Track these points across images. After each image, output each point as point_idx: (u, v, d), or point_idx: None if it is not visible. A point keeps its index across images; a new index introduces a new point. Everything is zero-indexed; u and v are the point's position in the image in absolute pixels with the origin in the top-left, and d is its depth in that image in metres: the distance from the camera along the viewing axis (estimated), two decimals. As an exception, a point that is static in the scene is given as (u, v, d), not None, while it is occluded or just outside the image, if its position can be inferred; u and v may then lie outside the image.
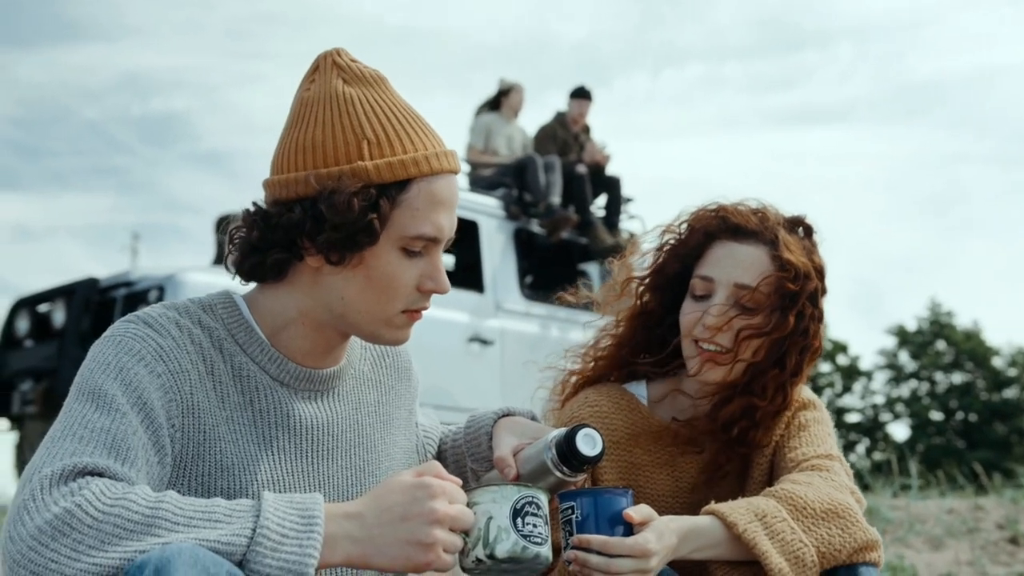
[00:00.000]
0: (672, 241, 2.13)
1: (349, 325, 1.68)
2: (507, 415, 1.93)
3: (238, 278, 1.69)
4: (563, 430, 1.75)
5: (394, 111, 1.66)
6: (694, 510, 1.91)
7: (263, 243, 1.63)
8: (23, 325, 7.73)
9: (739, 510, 1.82)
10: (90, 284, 7.25)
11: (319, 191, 1.59)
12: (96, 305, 7.07)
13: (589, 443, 1.73)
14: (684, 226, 2.11)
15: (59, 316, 7.30)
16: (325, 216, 1.58)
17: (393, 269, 1.63)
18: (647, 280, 2.15)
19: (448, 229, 1.67)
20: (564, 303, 2.27)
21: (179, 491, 1.55)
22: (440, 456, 2.00)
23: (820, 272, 2.06)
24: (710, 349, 2.01)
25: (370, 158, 1.60)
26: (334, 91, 1.64)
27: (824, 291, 2.06)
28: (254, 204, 1.67)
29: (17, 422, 7.71)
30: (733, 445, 2.07)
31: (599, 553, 1.72)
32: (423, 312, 1.71)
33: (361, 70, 1.67)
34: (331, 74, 1.66)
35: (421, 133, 1.66)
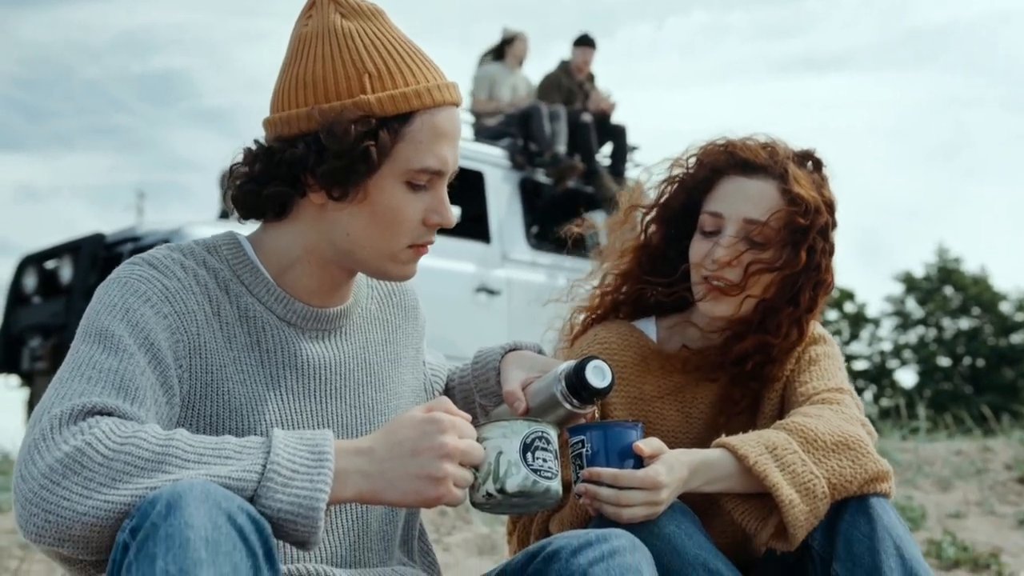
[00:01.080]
0: (680, 175, 2.11)
1: (355, 261, 1.67)
2: (514, 349, 1.93)
3: (237, 214, 1.68)
4: (572, 362, 1.74)
5: (394, 44, 1.64)
6: (704, 444, 1.91)
7: (265, 178, 1.62)
8: (30, 282, 7.74)
9: (750, 442, 1.82)
10: (96, 240, 7.24)
11: (321, 125, 1.58)
12: (103, 261, 7.06)
13: (599, 375, 1.72)
14: (692, 160, 2.10)
15: (66, 272, 7.30)
16: (326, 148, 1.57)
17: (398, 203, 1.62)
18: (653, 212, 2.13)
19: (452, 162, 1.66)
20: (570, 241, 2.24)
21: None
22: (448, 393, 2.00)
23: (830, 206, 2.04)
24: (719, 285, 2.00)
25: (372, 91, 1.59)
26: (332, 25, 1.63)
27: (835, 225, 2.05)
28: (256, 142, 1.66)
29: (27, 379, 7.73)
30: (746, 379, 2.06)
31: (609, 486, 1.72)
32: (429, 247, 1.70)
33: (358, 4, 1.66)
34: (328, 9, 1.65)
35: (422, 65, 1.65)
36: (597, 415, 1.96)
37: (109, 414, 1.43)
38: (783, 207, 1.98)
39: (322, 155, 1.58)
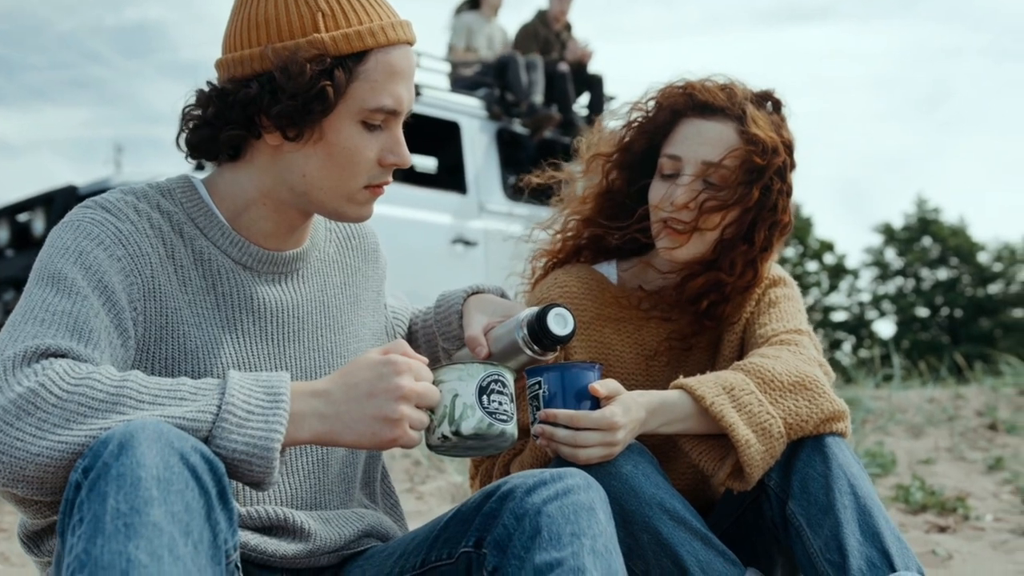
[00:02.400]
0: (640, 119, 2.11)
1: (311, 203, 1.67)
2: (476, 292, 1.93)
3: (190, 157, 1.67)
4: (534, 309, 1.75)
5: None
6: (664, 387, 1.92)
7: (219, 120, 1.61)
8: (3, 235, 7.67)
9: (707, 383, 1.84)
10: (69, 192, 7.19)
11: (275, 64, 1.57)
12: (76, 213, 7.01)
13: (560, 322, 1.73)
14: (652, 103, 2.09)
15: (39, 225, 7.24)
16: (280, 87, 1.56)
17: (354, 143, 1.62)
18: (614, 157, 2.13)
19: (407, 101, 1.65)
20: (530, 192, 2.24)
21: None
22: (411, 336, 2.01)
23: (788, 146, 2.04)
24: (677, 228, 2.00)
25: (326, 30, 1.59)
26: None
27: (793, 166, 2.05)
28: (208, 83, 1.65)
29: None
30: (701, 318, 2.08)
31: (566, 427, 1.73)
32: (385, 187, 1.69)
33: None
34: None
35: (375, 3, 1.64)
36: (560, 360, 1.97)
37: (63, 355, 1.42)
38: (740, 147, 1.98)
39: (276, 95, 1.57)
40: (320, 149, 1.62)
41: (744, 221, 2.01)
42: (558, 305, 1.74)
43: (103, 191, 7.11)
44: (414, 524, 2.58)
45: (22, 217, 7.60)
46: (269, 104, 1.57)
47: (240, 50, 1.61)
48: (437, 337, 1.96)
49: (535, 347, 1.75)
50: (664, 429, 1.83)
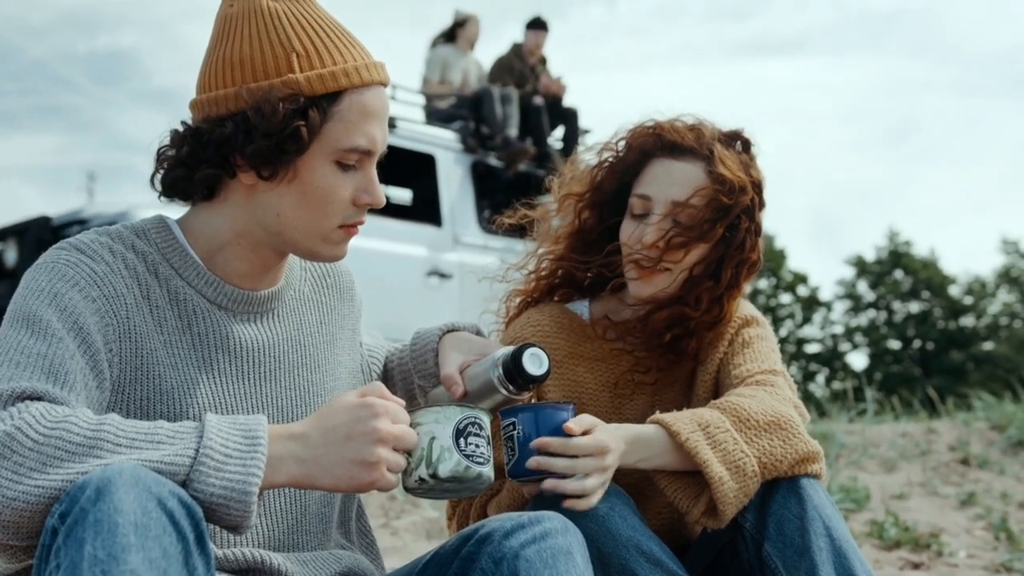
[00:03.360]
0: (610, 159, 2.12)
1: (286, 243, 1.67)
2: (452, 331, 1.93)
3: (163, 197, 1.67)
4: (510, 349, 1.75)
5: (320, 24, 1.65)
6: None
7: (193, 160, 1.62)
8: (-25, 265, 7.63)
9: (682, 419, 1.84)
10: (42, 222, 7.16)
11: (249, 104, 1.58)
12: (49, 244, 6.94)
13: (535, 362, 1.74)
14: (622, 144, 2.11)
15: (11, 256, 7.21)
16: (254, 127, 1.57)
17: (329, 183, 1.63)
18: (586, 197, 2.15)
19: (381, 141, 1.66)
20: (505, 228, 2.25)
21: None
22: (387, 374, 2.01)
23: (757, 186, 2.06)
24: (648, 267, 2.02)
25: (300, 70, 1.60)
26: (258, 6, 1.63)
27: (762, 205, 2.07)
28: (183, 123, 1.65)
29: (-28, 362, 7.63)
30: (666, 352, 2.08)
31: (559, 456, 1.73)
32: (359, 228, 1.70)
33: None
34: None
35: (349, 45, 1.65)
36: (533, 400, 1.97)
37: (39, 398, 1.42)
38: (707, 186, 2.00)
39: (251, 134, 1.58)
40: (294, 188, 1.62)
41: (711, 259, 2.03)
42: (533, 345, 1.75)
43: (77, 222, 7.11)
44: (389, 560, 2.57)
45: (-6, 247, 7.56)
46: (243, 143, 1.58)
47: (215, 90, 1.62)
48: (413, 375, 1.96)
49: (510, 387, 1.75)
50: (641, 464, 1.83)
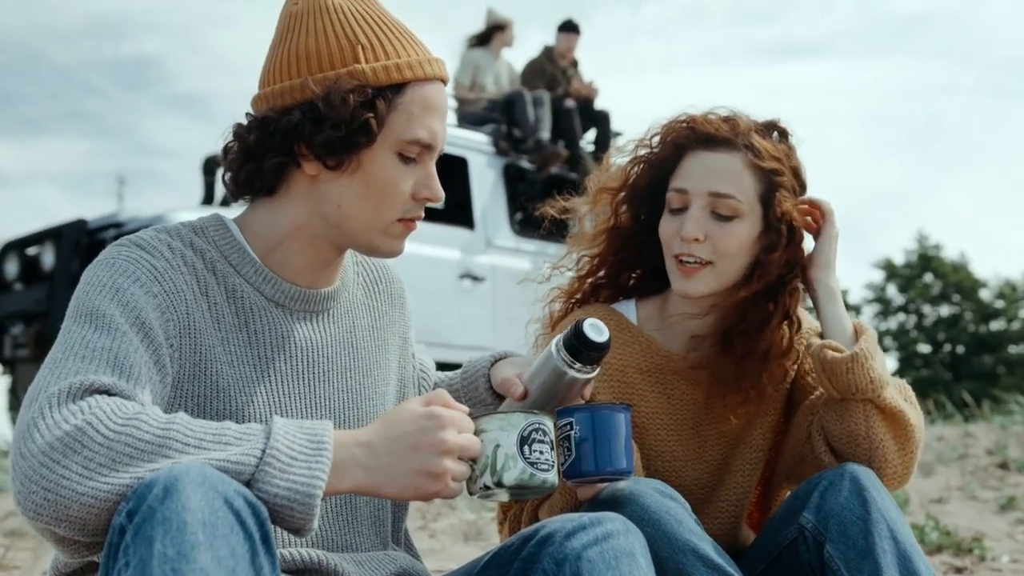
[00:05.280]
0: (645, 155, 2.11)
1: (345, 235, 1.67)
2: (503, 357, 1.93)
3: (231, 192, 1.69)
4: (566, 331, 1.72)
5: (384, 19, 1.67)
6: (688, 426, 1.98)
7: (261, 149, 1.63)
8: (12, 268, 7.69)
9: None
10: (79, 226, 7.22)
11: (317, 94, 1.59)
12: (85, 247, 7.03)
13: (596, 330, 1.70)
14: (656, 139, 2.10)
15: (48, 259, 7.27)
16: (323, 116, 1.58)
17: (391, 174, 1.64)
18: (621, 194, 2.13)
19: (441, 137, 1.68)
20: (546, 223, 2.23)
21: (175, 413, 1.54)
22: None
23: (797, 173, 2.04)
24: (689, 262, 1.99)
25: (366, 61, 1.62)
26: (323, 2, 1.66)
27: (804, 191, 2.06)
28: (247, 115, 1.67)
29: (9, 365, 7.70)
30: (733, 361, 2.06)
31: None
32: (417, 224, 1.71)
33: None
34: None
35: (411, 40, 1.68)
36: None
37: (108, 392, 1.42)
38: (748, 178, 1.99)
39: (319, 124, 1.59)
40: (357, 179, 1.63)
41: (761, 253, 2.01)
42: (586, 318, 1.72)
43: (113, 225, 7.17)
44: (428, 562, 2.56)
45: (31, 251, 7.63)
46: (311, 132, 1.59)
47: (280, 82, 1.63)
48: (463, 401, 1.95)
49: (576, 364, 1.71)
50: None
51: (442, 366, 2.14)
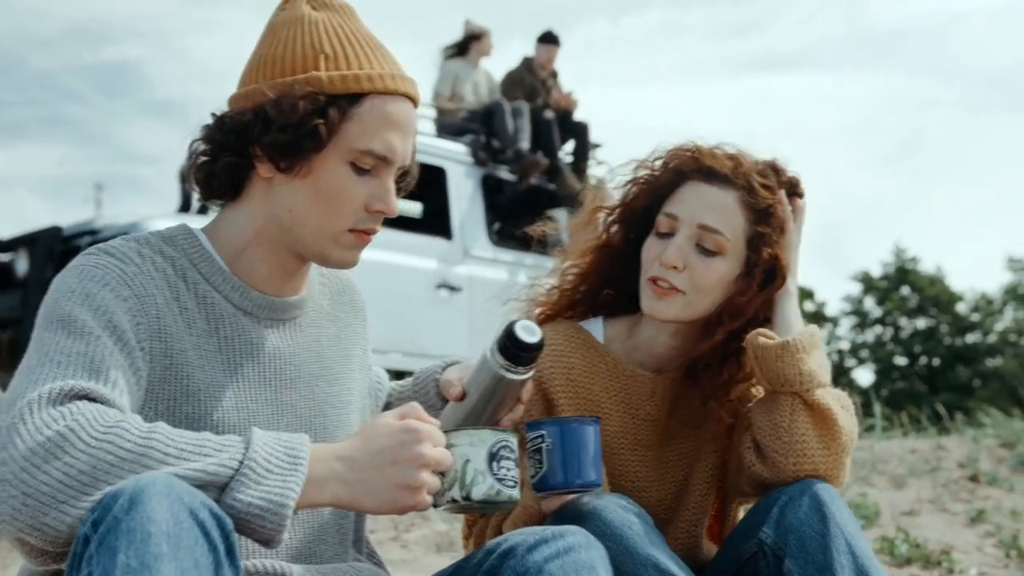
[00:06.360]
0: (645, 176, 2.12)
1: (297, 241, 1.68)
2: (454, 363, 1.96)
3: (198, 194, 1.72)
4: (499, 333, 1.72)
5: (356, 34, 1.69)
6: (651, 445, 2.00)
7: (216, 148, 1.66)
8: (-15, 275, 7.65)
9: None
10: (53, 233, 7.18)
11: (270, 98, 1.62)
12: (60, 254, 7.00)
13: (528, 332, 1.70)
14: (658, 162, 2.11)
15: (22, 265, 7.23)
16: (272, 119, 1.60)
17: (342, 183, 1.65)
18: (615, 212, 2.15)
19: (400, 152, 1.68)
20: (534, 240, 2.25)
21: (145, 416, 1.55)
22: (387, 408, 2.02)
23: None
24: (663, 286, 2.00)
25: (326, 70, 1.64)
26: (300, 14, 1.69)
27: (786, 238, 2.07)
28: (212, 115, 1.69)
29: (-18, 372, 7.65)
30: (698, 388, 2.08)
31: None
32: (371, 237, 1.71)
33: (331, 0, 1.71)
34: (301, 1, 1.71)
35: (380, 56, 1.69)
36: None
37: (88, 396, 1.43)
38: (740, 218, 2.00)
39: (268, 126, 1.61)
40: (308, 184, 1.65)
41: (731, 290, 2.02)
42: (518, 320, 1.72)
43: (88, 232, 7.13)
44: (400, 573, 2.57)
45: (4, 257, 7.58)
46: (260, 133, 1.62)
47: (245, 86, 1.67)
48: None
49: (512, 365, 1.71)
50: None
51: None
